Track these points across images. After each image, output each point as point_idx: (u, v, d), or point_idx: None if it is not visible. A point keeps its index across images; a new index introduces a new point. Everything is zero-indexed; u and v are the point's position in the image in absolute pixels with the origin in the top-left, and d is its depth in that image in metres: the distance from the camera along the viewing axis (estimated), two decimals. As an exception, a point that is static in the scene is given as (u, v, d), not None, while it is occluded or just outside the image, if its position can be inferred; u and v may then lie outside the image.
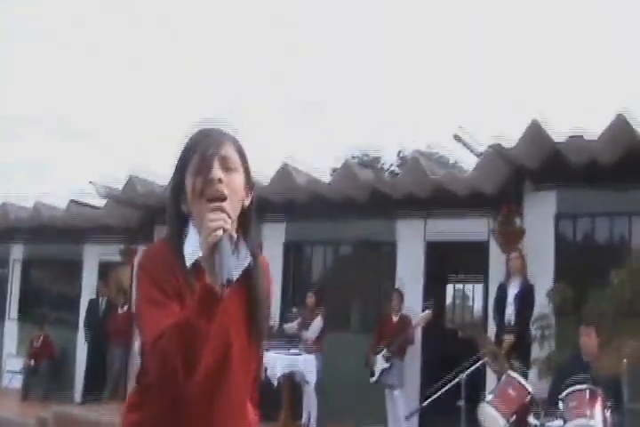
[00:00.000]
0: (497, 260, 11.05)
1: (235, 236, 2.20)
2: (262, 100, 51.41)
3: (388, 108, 51.15)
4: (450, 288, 17.06)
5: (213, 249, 2.09)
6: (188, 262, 2.28)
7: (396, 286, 11.69)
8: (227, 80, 52.65)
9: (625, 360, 6.57)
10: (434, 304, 11.36)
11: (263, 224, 11.74)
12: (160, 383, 2.22)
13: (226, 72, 54.20)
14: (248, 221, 2.41)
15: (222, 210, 2.17)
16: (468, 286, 17.28)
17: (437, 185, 11.53)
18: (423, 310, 11.06)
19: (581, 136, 10.20)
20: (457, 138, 11.63)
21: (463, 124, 11.30)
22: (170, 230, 2.39)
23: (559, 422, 6.37)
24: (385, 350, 10.86)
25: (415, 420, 10.31)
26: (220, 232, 2.10)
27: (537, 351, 10.09)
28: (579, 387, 6.47)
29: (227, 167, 2.31)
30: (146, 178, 13.92)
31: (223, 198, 2.23)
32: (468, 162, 11.52)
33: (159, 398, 2.31)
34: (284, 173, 12.13)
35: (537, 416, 6.50)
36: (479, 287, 14.50)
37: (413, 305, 11.30)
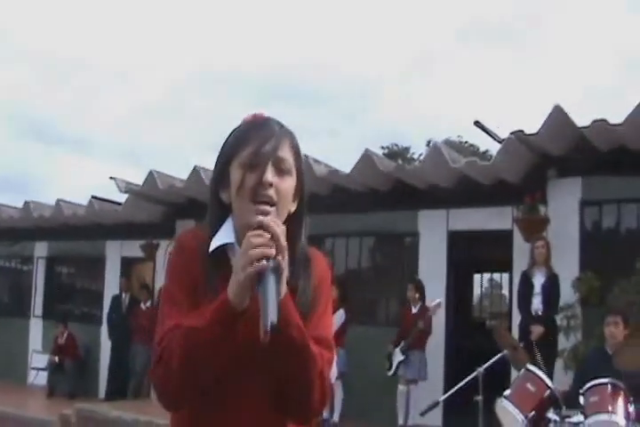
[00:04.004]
0: (521, 249, 10.81)
1: (282, 262, 1.89)
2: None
3: (417, 98, 51.00)
4: (477, 278, 16.93)
5: (254, 281, 1.86)
6: (212, 247, 2.08)
7: (416, 277, 11.48)
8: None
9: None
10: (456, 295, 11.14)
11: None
12: (160, 395, 2.04)
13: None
14: (294, 226, 2.14)
15: (267, 227, 1.90)
16: (497, 275, 17.16)
17: (459, 174, 11.32)
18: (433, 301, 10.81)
19: (605, 120, 9.92)
20: (477, 124, 11.41)
21: (487, 112, 11.10)
22: (208, 218, 2.19)
23: (580, 417, 6.17)
24: (402, 343, 10.68)
25: (439, 414, 10.11)
26: (264, 262, 1.85)
27: (563, 342, 9.87)
28: (601, 381, 6.25)
29: (280, 169, 2.10)
30: (166, 173, 13.80)
31: (272, 204, 2.04)
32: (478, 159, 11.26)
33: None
34: (305, 164, 11.95)
35: (557, 411, 6.29)
36: (506, 276, 14.33)
37: (437, 296, 11.05)
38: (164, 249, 14.10)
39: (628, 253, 10.26)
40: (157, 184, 13.29)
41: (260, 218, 1.94)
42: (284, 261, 1.89)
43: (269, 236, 1.89)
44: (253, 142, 2.09)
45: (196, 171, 12.69)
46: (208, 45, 67.66)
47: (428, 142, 33.03)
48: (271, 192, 2.05)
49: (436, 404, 6.81)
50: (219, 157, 2.19)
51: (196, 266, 2.08)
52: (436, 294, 11.04)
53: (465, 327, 13.31)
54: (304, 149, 2.28)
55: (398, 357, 10.64)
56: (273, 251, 1.87)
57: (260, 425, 2.09)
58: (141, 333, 13.80)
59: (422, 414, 7.22)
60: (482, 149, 31.81)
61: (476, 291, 17.22)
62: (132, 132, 67.54)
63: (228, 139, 2.18)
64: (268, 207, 2.02)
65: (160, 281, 14.13)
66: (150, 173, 13.39)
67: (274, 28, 67.33)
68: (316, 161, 12.44)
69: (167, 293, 2.13)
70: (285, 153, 2.12)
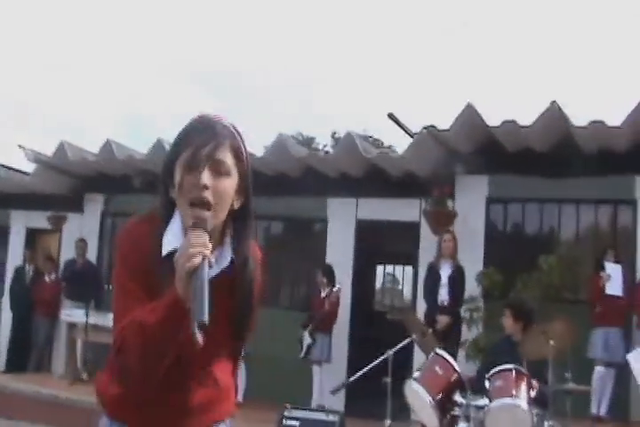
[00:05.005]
0: (427, 241, 11.04)
1: (213, 261, 2.05)
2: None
3: (324, 91, 51.22)
4: (380, 270, 17.13)
5: (191, 274, 1.99)
6: (165, 251, 2.20)
7: (326, 262, 11.60)
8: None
9: (551, 343, 6.59)
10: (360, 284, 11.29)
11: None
12: (122, 380, 2.25)
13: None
14: (239, 222, 2.32)
15: (204, 228, 2.09)
16: (399, 268, 17.38)
17: (371, 164, 11.46)
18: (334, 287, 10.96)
19: (515, 122, 10.21)
20: (391, 117, 11.57)
21: (399, 107, 11.26)
22: (160, 213, 2.29)
23: (485, 400, 6.37)
24: (310, 326, 10.81)
25: (342, 396, 10.26)
26: (199, 259, 2.00)
27: (465, 333, 10.14)
28: (506, 367, 6.47)
29: (218, 171, 2.20)
30: (78, 145, 13.53)
31: (207, 206, 2.15)
32: (403, 146, 11.43)
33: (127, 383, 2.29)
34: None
35: (463, 395, 6.48)
36: (409, 269, 14.57)
37: (342, 283, 11.20)
38: (72, 221, 13.91)
39: (531, 250, 10.63)
40: (68, 156, 13.02)
41: (194, 221, 2.10)
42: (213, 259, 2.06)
43: (207, 237, 2.06)
44: (193, 145, 2.19)
45: (108, 144, 12.52)
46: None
47: (333, 134, 33.27)
48: (207, 194, 2.15)
49: (346, 383, 6.92)
50: (166, 155, 2.30)
51: (146, 257, 2.19)
52: (341, 281, 11.18)
53: (367, 317, 13.47)
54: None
55: (307, 340, 10.76)
56: (208, 251, 2.03)
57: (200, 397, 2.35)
58: (44, 305, 13.58)
59: (333, 392, 7.35)
60: (386, 144, 32.15)
61: (378, 283, 17.42)
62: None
63: (175, 138, 2.28)
64: (203, 212, 2.14)
65: (66, 254, 13.92)
66: (61, 144, 13.11)
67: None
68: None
69: (119, 284, 2.25)
70: (224, 155, 2.21)
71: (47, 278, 13.95)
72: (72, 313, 12.58)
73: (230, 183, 2.23)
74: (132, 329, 2.08)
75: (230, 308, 2.30)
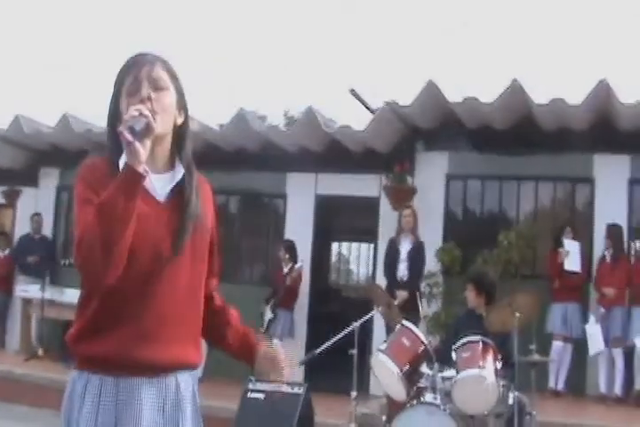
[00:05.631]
0: (387, 216, 11.06)
1: (152, 121, 2.28)
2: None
3: (276, 67, 50.99)
4: (335, 246, 17.12)
5: (132, 129, 2.24)
6: (121, 166, 2.32)
7: (288, 238, 11.55)
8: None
9: (516, 315, 6.64)
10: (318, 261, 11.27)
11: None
12: (87, 274, 2.29)
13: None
14: (182, 139, 2.56)
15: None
16: (355, 245, 17.39)
17: (330, 139, 11.41)
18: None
19: (476, 98, 10.24)
20: (353, 93, 11.55)
21: (356, 83, 11.22)
22: (108, 147, 2.49)
23: (452, 371, 6.42)
24: (272, 301, 10.79)
25: (301, 369, 10.25)
26: (136, 113, 2.25)
27: (425, 308, 10.18)
28: (472, 338, 6.52)
29: (157, 87, 2.45)
30: (33, 118, 13.28)
31: (152, 114, 2.31)
32: (357, 125, 11.37)
33: (97, 301, 2.39)
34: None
35: (430, 366, 6.52)
36: (365, 247, 14.60)
37: (302, 258, 11.17)
38: (26, 196, 13.69)
39: (491, 226, 10.73)
40: (23, 129, 12.77)
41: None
42: (154, 123, 2.29)
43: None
44: (132, 71, 2.46)
45: (64, 118, 12.30)
46: None
47: (286, 113, 33.09)
48: (149, 104, 2.38)
49: (313, 355, 6.92)
50: (112, 95, 2.52)
51: (104, 180, 2.33)
52: (302, 257, 11.15)
53: (323, 293, 13.48)
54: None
55: (268, 315, 10.74)
56: (147, 112, 2.27)
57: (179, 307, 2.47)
58: (-3, 280, 13.34)
59: (301, 363, 7.37)
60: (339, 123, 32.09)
61: (333, 259, 17.41)
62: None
63: (116, 74, 2.52)
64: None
65: (20, 229, 13.67)
66: (16, 118, 12.83)
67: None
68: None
69: (79, 196, 2.40)
70: (159, 73, 2.48)
71: (1, 253, 13.69)
72: (27, 289, 12.39)
73: (170, 96, 2.49)
74: (90, 213, 2.23)
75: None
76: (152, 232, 2.39)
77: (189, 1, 53.57)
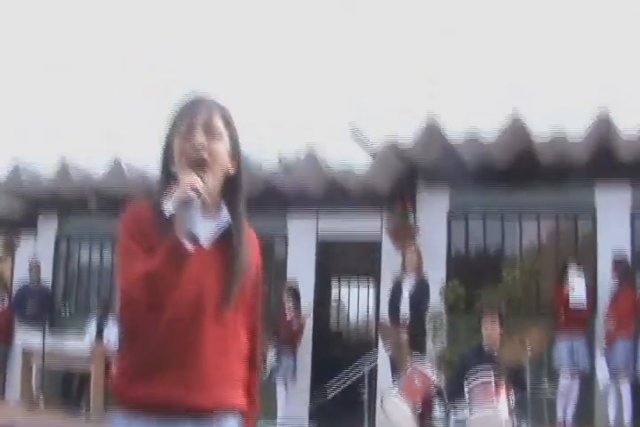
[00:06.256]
0: (390, 257, 10.98)
1: (205, 195, 2.27)
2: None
3: (269, 111, 51.04)
4: (335, 289, 16.95)
5: (184, 205, 2.23)
6: (167, 214, 2.32)
7: (290, 285, 11.34)
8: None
9: (529, 349, 6.58)
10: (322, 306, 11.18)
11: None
12: (129, 328, 2.35)
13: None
14: (233, 189, 2.49)
15: (199, 175, 2.30)
16: (354, 289, 17.22)
17: (331, 180, 11.36)
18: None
19: (477, 138, 10.24)
20: (354, 134, 11.51)
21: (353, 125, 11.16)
22: (158, 187, 2.46)
23: (465, 413, 6.32)
24: (275, 349, 10.69)
25: (305, 408, 10.06)
26: (192, 192, 2.22)
27: (430, 348, 10.06)
28: (486, 380, 6.41)
29: (211, 134, 2.42)
30: (31, 168, 13.21)
31: (203, 163, 2.35)
32: (357, 157, 11.35)
33: (139, 347, 2.36)
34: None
35: (443, 408, 6.41)
36: (364, 290, 14.50)
37: (304, 303, 11.06)
38: (25, 244, 13.62)
39: (493, 263, 10.66)
40: (21, 179, 12.67)
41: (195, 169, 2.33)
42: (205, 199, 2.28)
43: (199, 178, 2.28)
44: (188, 116, 2.43)
45: (64, 166, 12.25)
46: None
47: (280, 160, 33.01)
48: (203, 153, 2.37)
49: (324, 401, 6.84)
50: (165, 136, 2.50)
51: (148, 230, 2.33)
52: (303, 301, 11.09)
53: (325, 338, 13.33)
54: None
55: (272, 363, 10.58)
56: (200, 185, 2.25)
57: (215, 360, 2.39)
58: (-3, 331, 13.19)
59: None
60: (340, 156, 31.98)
61: (334, 304, 17.21)
62: None
63: (172, 116, 2.49)
64: (201, 167, 2.35)
65: (19, 278, 13.55)
66: (15, 168, 12.67)
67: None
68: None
69: (122, 248, 2.38)
70: (216, 121, 2.45)
71: (0, 304, 13.55)
72: (27, 338, 12.24)
73: (223, 145, 2.44)
74: (137, 275, 2.21)
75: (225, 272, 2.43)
76: (196, 277, 2.35)
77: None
